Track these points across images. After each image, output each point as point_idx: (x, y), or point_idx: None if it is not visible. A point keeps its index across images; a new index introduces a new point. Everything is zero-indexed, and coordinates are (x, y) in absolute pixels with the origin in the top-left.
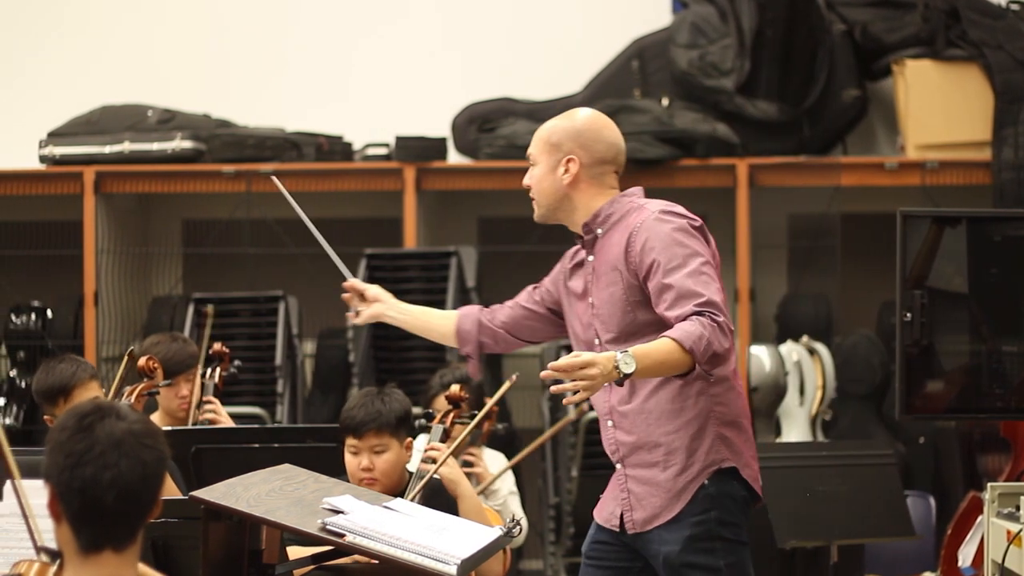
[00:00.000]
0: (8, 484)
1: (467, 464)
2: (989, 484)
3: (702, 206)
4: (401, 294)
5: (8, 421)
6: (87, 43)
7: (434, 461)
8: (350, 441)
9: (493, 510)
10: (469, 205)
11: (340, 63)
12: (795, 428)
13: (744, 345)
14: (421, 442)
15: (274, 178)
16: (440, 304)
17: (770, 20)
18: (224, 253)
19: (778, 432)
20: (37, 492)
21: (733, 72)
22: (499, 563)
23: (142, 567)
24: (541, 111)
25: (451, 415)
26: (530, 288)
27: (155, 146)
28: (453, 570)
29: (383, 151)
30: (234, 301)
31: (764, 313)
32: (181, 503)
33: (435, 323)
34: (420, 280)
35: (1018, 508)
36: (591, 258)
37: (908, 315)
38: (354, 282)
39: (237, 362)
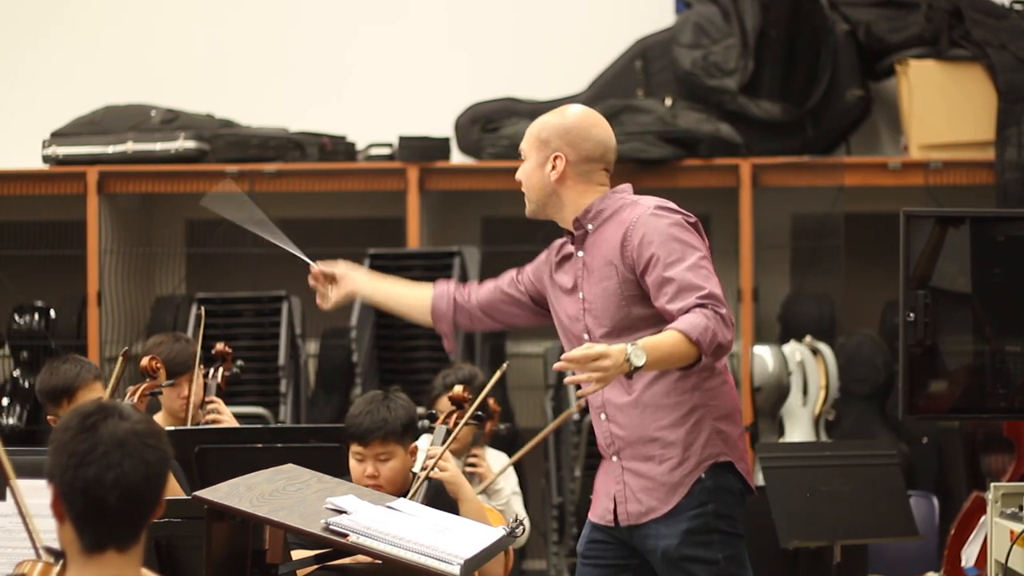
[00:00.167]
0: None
1: (471, 464)
2: (992, 484)
3: (705, 206)
4: None
5: (12, 421)
6: (90, 43)
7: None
8: (355, 448)
9: (496, 510)
10: (472, 205)
11: (343, 63)
12: (798, 428)
13: (747, 345)
14: (424, 443)
15: (229, 181)
16: None
17: (773, 20)
18: (227, 253)
19: (781, 432)
20: (40, 492)
21: (736, 72)
22: (500, 564)
23: (145, 572)
24: (544, 111)
25: (454, 416)
26: (513, 273)
27: (158, 146)
28: (456, 570)
29: (386, 151)
30: (237, 301)
31: (767, 313)
32: (184, 503)
33: (408, 302)
34: (424, 280)
35: (1021, 508)
36: (581, 253)
37: (911, 315)
38: (319, 268)
39: (240, 362)
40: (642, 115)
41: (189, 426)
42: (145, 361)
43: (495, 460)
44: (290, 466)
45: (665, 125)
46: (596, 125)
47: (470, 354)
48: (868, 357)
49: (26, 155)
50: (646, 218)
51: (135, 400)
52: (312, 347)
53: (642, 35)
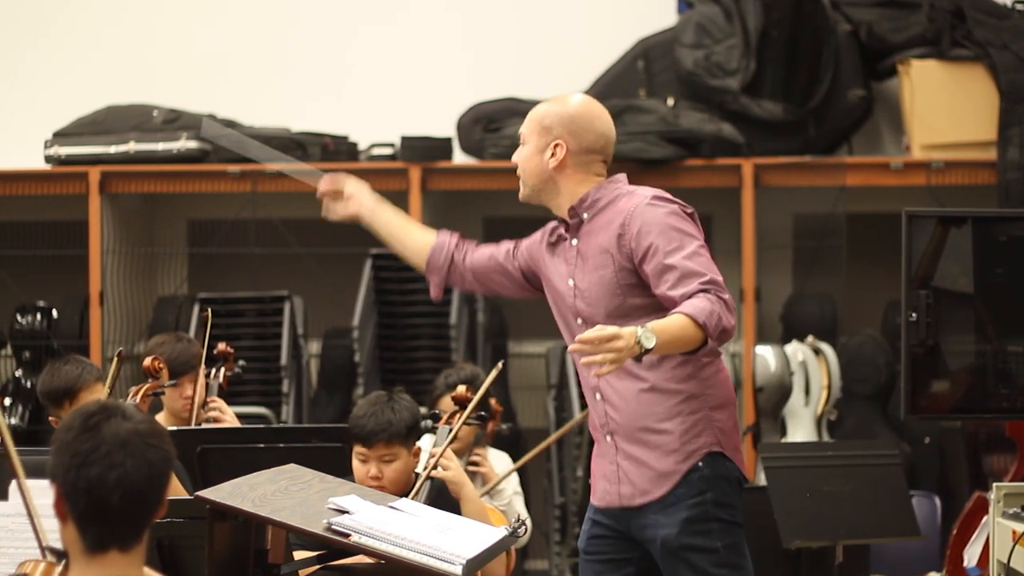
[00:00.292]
0: (13, 484)
1: (473, 464)
2: (995, 484)
3: (707, 206)
4: (406, 294)
5: (14, 421)
6: (92, 43)
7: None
8: (359, 449)
9: (498, 510)
10: (474, 205)
11: (345, 63)
12: (800, 428)
13: (749, 345)
14: (427, 443)
15: (206, 122)
16: (445, 304)
17: (775, 20)
18: (229, 253)
19: (783, 432)
20: (43, 492)
21: (738, 72)
22: (502, 564)
23: (147, 572)
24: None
25: (456, 415)
26: (510, 245)
27: (160, 146)
28: (459, 570)
29: (388, 151)
30: (239, 301)
31: (769, 313)
32: (186, 503)
33: (406, 241)
34: (425, 280)
35: (1023, 508)
36: (575, 241)
37: (913, 315)
38: (329, 182)
39: (242, 362)
40: (644, 115)
41: (191, 426)
42: (147, 361)
43: (497, 460)
44: (292, 466)
45: (667, 125)
46: (599, 117)
47: (472, 354)
48: (870, 357)
49: (28, 155)
50: (643, 208)
51: (137, 400)
52: (314, 347)
53: (644, 35)
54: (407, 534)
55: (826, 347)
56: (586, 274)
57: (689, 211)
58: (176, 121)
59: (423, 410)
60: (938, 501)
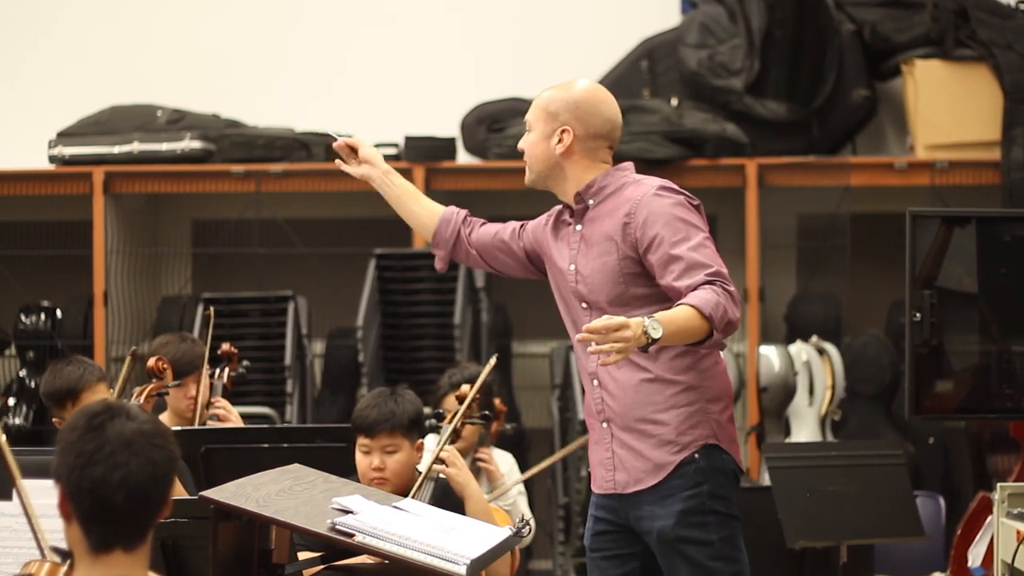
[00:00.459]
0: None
1: (480, 461)
2: (999, 484)
3: (711, 206)
4: (411, 294)
5: (18, 421)
6: (96, 43)
7: (443, 462)
8: (362, 440)
9: (502, 510)
10: (478, 205)
11: (349, 63)
12: (804, 428)
13: (753, 345)
14: (431, 442)
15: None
16: (449, 304)
17: (779, 20)
18: (233, 253)
19: (787, 432)
20: (47, 492)
21: (742, 72)
22: (506, 564)
23: (152, 575)
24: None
25: (461, 415)
26: (516, 226)
27: (164, 146)
28: (463, 570)
29: (392, 151)
30: (243, 301)
31: (773, 313)
32: (190, 503)
33: (416, 211)
34: (430, 280)
35: None
36: (579, 227)
37: (917, 315)
38: (346, 140)
39: (246, 362)
40: (648, 115)
41: (195, 426)
42: (151, 362)
43: (501, 460)
44: (296, 466)
45: (671, 125)
46: (604, 102)
47: (476, 354)
48: (874, 357)
49: (32, 155)
50: (650, 198)
51: (141, 401)
52: (318, 347)
53: (648, 35)
54: (411, 534)
55: (830, 347)
56: (589, 260)
57: (695, 202)
58: (180, 121)
59: (427, 410)
60: (942, 501)
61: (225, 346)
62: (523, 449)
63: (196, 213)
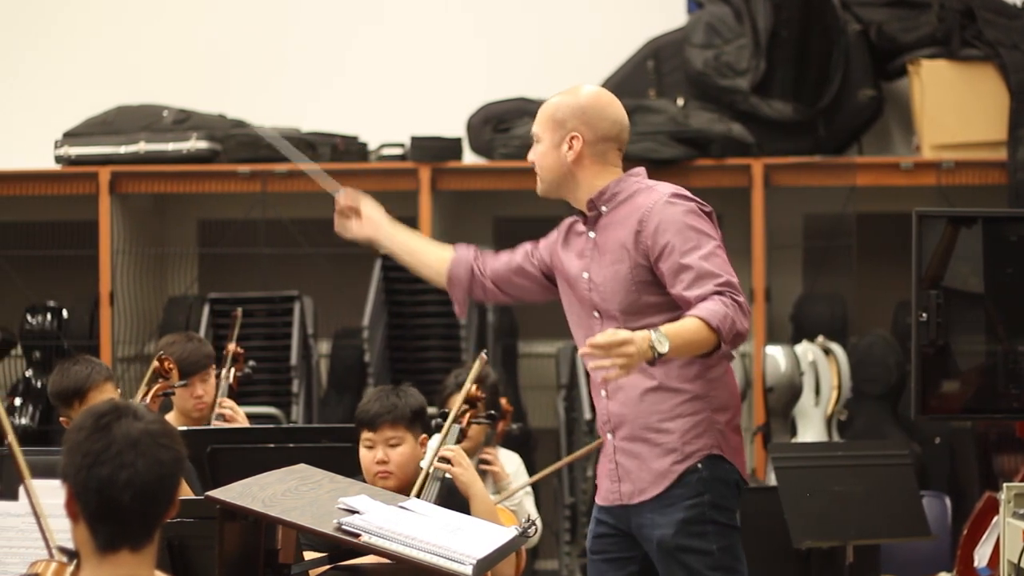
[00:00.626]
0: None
1: (484, 462)
2: (1005, 484)
3: (717, 206)
4: (416, 294)
5: (24, 421)
6: (102, 43)
7: (448, 461)
8: (365, 435)
9: (508, 510)
10: (484, 205)
11: (355, 63)
12: (811, 428)
13: (759, 345)
14: (437, 442)
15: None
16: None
17: (785, 20)
18: (239, 253)
19: (793, 432)
20: (54, 492)
21: (748, 72)
22: (511, 564)
23: (158, 574)
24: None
25: (467, 415)
26: (528, 247)
27: (170, 146)
28: (469, 570)
29: (398, 151)
30: (249, 301)
31: (779, 313)
32: (197, 503)
33: (427, 260)
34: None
35: None
36: (592, 234)
37: (924, 315)
38: (348, 200)
39: (252, 362)
40: (654, 115)
41: (201, 426)
42: (157, 362)
43: (507, 460)
44: (302, 466)
45: (677, 125)
46: (610, 104)
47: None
48: (880, 357)
49: (38, 155)
50: (661, 205)
51: (148, 401)
52: (324, 347)
53: (654, 35)
54: (417, 534)
55: (836, 347)
56: (602, 268)
57: (707, 210)
58: (186, 121)
59: (433, 410)
60: (948, 501)
61: (231, 346)
62: (529, 449)
63: (202, 213)
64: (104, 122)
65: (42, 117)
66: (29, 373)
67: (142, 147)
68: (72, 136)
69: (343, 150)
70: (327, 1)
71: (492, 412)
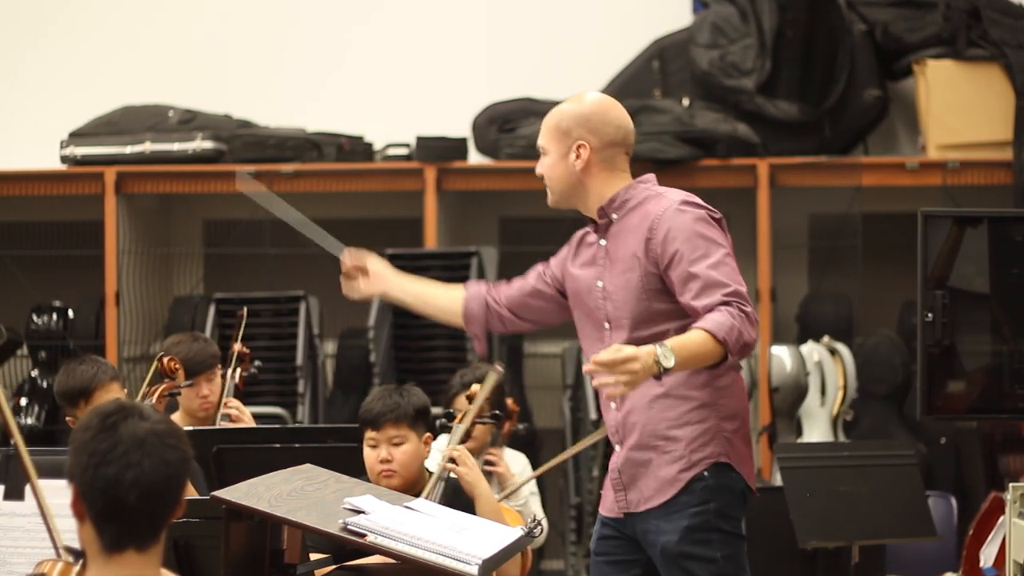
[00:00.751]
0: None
1: (488, 464)
2: (1011, 484)
3: (723, 206)
4: None
5: (30, 421)
6: (108, 43)
7: (453, 461)
8: (369, 434)
9: (514, 510)
10: (490, 205)
11: (360, 63)
12: (816, 428)
13: (765, 345)
14: (442, 442)
15: (240, 175)
16: None
17: (791, 20)
18: (245, 253)
19: (799, 432)
20: (60, 492)
21: (754, 72)
22: (517, 564)
23: (164, 573)
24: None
25: (472, 415)
26: (540, 267)
27: (176, 146)
28: (475, 570)
29: (404, 151)
30: (255, 301)
31: (785, 313)
32: (202, 503)
33: (440, 303)
34: (442, 280)
35: None
36: (604, 242)
37: (929, 315)
38: (353, 259)
39: (257, 362)
40: (659, 115)
41: (207, 426)
42: (163, 361)
43: (513, 460)
44: (308, 466)
45: (682, 125)
46: (613, 108)
47: (487, 354)
48: (886, 357)
49: (44, 155)
50: (671, 213)
51: (154, 401)
52: (330, 347)
53: (659, 35)
54: (423, 534)
55: (842, 347)
56: (614, 276)
57: (717, 216)
58: (192, 121)
59: (438, 410)
60: (954, 501)
61: (236, 346)
62: (535, 449)
63: (208, 213)
64: (110, 122)
65: (48, 117)
66: (35, 373)
67: (148, 147)
68: (78, 136)
69: (348, 150)
70: (332, 3)
71: (497, 412)
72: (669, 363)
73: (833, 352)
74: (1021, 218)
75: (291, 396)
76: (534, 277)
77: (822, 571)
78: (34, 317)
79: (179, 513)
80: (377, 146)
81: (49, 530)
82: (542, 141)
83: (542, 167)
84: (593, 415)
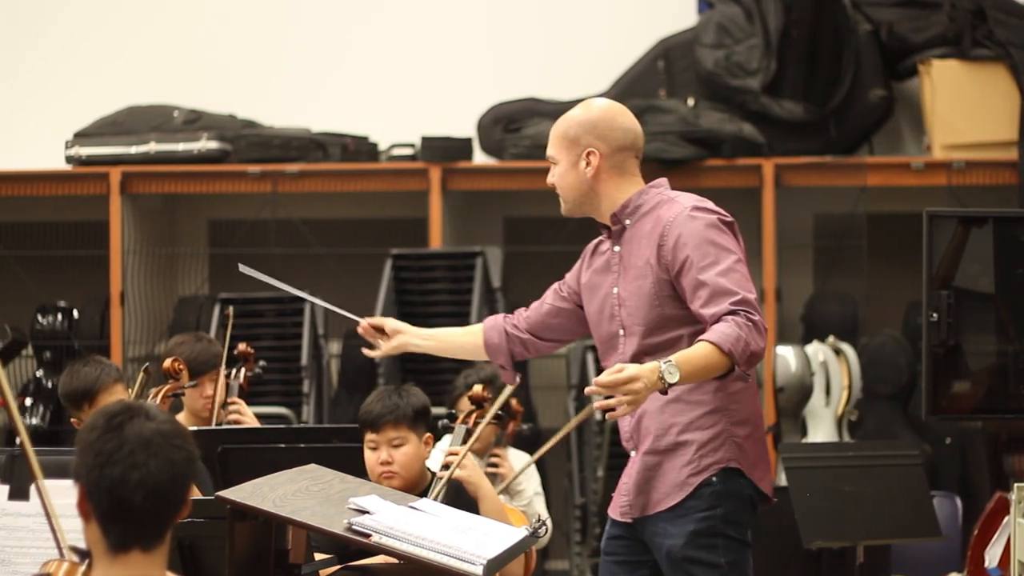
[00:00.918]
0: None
1: (492, 464)
2: (1016, 484)
3: (728, 206)
4: (427, 294)
5: (35, 421)
6: (113, 43)
7: (447, 466)
8: (369, 436)
9: (518, 511)
10: (495, 205)
11: (365, 63)
12: (821, 428)
13: (770, 345)
14: (445, 443)
15: (242, 266)
16: (466, 305)
17: (796, 20)
18: (250, 253)
19: (804, 432)
20: (65, 492)
21: (759, 72)
22: (520, 565)
23: (170, 575)
24: (567, 111)
25: (474, 416)
26: (556, 286)
27: (181, 146)
28: (479, 570)
29: (409, 151)
30: (260, 301)
31: (790, 313)
32: (207, 503)
33: (461, 341)
34: (446, 280)
35: None
36: (617, 248)
37: (934, 315)
38: (369, 322)
39: (262, 362)
40: (664, 115)
41: (212, 426)
42: (168, 362)
43: (518, 460)
44: (313, 466)
45: (687, 125)
46: (620, 114)
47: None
48: (891, 357)
49: (49, 156)
50: (683, 219)
51: (158, 401)
52: (334, 347)
53: (664, 35)
54: (427, 534)
55: (847, 347)
56: (628, 283)
57: (728, 220)
58: (196, 121)
59: (441, 410)
60: (959, 501)
61: (242, 346)
62: (539, 449)
63: (213, 213)
64: (115, 122)
65: (53, 117)
66: (40, 373)
67: (152, 147)
68: (83, 136)
69: (353, 150)
70: (337, 3)
71: (501, 412)
72: (673, 379)
73: (838, 352)
74: None
75: (296, 396)
76: (551, 295)
77: (827, 571)
78: (39, 317)
79: (185, 513)
80: (382, 146)
81: (53, 530)
82: (551, 151)
83: (553, 177)
84: (598, 415)
